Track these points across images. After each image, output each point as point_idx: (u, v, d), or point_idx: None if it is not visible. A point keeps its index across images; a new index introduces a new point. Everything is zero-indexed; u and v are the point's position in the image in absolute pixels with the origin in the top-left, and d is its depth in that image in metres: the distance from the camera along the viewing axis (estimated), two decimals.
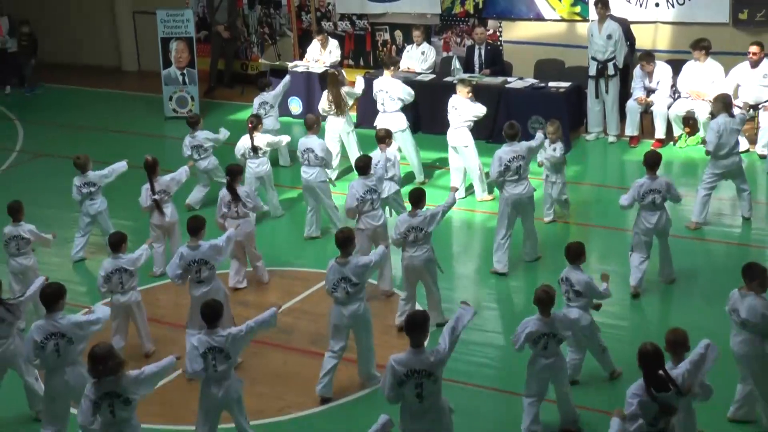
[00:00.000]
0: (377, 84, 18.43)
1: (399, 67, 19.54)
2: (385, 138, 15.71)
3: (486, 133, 19.50)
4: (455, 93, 17.36)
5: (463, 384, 12.09)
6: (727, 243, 15.76)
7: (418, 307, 13.38)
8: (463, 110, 17.06)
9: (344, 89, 18.58)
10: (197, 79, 23.01)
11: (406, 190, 15.21)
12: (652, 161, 13.65)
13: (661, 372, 8.87)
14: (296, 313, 14.28)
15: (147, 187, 15.13)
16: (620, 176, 18.76)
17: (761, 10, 19.38)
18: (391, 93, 18.09)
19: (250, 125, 16.85)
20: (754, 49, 18.28)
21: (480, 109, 17.28)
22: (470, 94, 17.15)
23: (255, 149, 16.75)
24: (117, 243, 12.90)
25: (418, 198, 13.42)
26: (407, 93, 18.29)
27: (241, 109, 22.79)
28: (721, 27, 19.65)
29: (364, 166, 14.43)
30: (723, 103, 15.79)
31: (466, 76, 20.28)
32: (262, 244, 15.47)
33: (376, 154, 15.48)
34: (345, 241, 11.97)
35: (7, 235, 14.12)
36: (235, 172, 14.92)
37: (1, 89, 25.50)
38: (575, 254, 11.82)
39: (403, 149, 18.08)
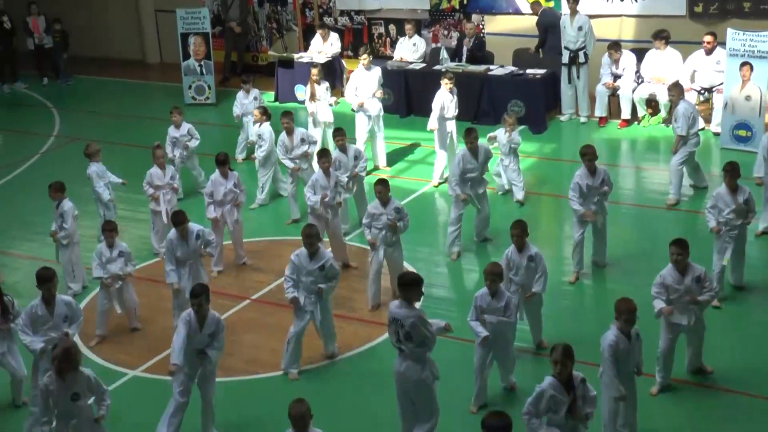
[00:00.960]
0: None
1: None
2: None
3: (470, 115, 19.65)
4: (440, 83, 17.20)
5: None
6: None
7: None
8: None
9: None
10: (213, 69, 22.98)
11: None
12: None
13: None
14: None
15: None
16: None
17: (714, 3, 19.43)
18: None
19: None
20: (708, 38, 18.41)
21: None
22: (451, 85, 16.96)
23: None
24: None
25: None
26: None
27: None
28: (679, 19, 19.71)
29: None
30: (681, 91, 15.98)
31: (453, 64, 20.49)
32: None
33: None
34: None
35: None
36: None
37: (39, 81, 25.39)
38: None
39: None
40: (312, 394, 10.07)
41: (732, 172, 12.34)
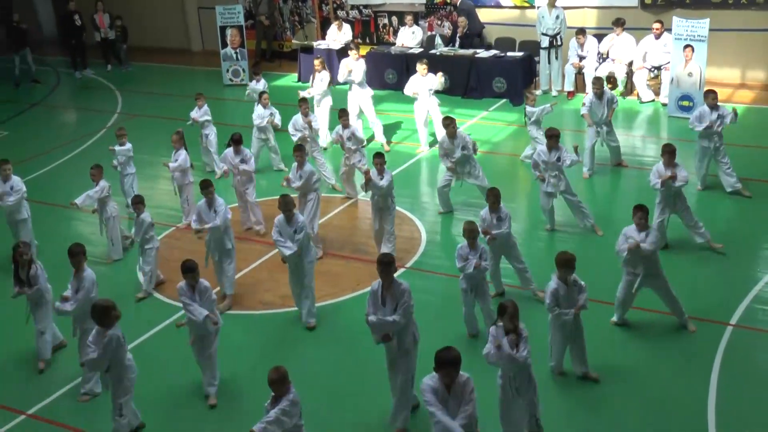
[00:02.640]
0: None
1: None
2: None
3: (461, 90, 19.95)
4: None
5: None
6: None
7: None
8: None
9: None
10: (247, 56, 23.13)
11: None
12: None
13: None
14: (329, 227, 14.34)
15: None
16: (562, 119, 18.42)
17: None
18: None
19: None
20: (656, 25, 18.68)
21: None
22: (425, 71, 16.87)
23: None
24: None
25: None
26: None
27: (280, 77, 23.14)
28: (632, 9, 19.89)
29: None
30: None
31: (446, 49, 20.68)
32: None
33: None
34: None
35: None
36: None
37: (104, 68, 25.48)
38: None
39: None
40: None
41: (670, 154, 12.19)
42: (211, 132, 16.60)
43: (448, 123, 14.01)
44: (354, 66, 17.69)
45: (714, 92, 14.03)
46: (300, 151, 13.20)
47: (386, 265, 9.17)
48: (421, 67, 16.88)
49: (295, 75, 22.90)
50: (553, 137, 13.07)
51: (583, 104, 15.26)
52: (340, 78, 18.01)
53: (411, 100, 17.39)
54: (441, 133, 15.18)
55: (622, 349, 10.63)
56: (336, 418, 9.73)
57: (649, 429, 9.22)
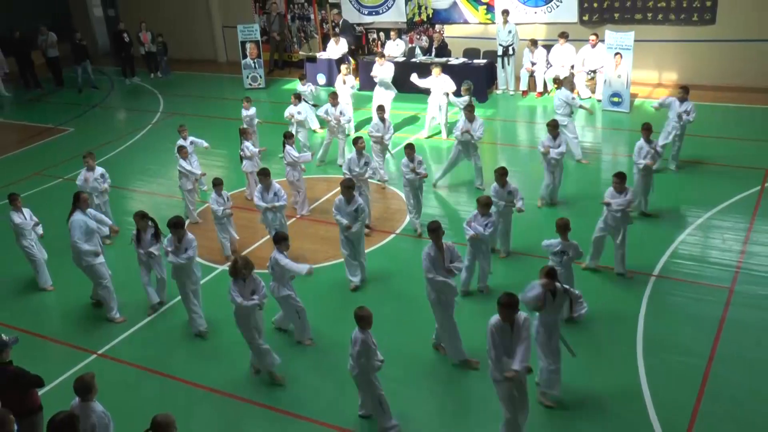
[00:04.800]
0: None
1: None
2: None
3: None
4: (430, 71, 17.26)
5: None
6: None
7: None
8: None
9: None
10: (263, 65, 23.03)
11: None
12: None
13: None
14: (328, 203, 13.89)
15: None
16: (516, 114, 18.80)
17: (596, 14, 19.67)
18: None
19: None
20: (592, 37, 18.73)
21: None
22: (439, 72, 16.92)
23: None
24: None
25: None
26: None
27: (289, 81, 22.99)
28: (574, 24, 19.88)
29: None
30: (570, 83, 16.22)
31: (424, 57, 20.65)
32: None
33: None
34: None
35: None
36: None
37: (148, 76, 25.30)
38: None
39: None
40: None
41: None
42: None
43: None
44: (380, 70, 17.77)
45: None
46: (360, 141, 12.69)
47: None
48: (436, 70, 16.93)
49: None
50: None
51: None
52: (375, 79, 17.97)
53: (399, 99, 17.51)
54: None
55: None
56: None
57: (593, 353, 9.36)
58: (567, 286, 8.52)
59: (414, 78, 17.62)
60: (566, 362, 8.48)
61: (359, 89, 20.10)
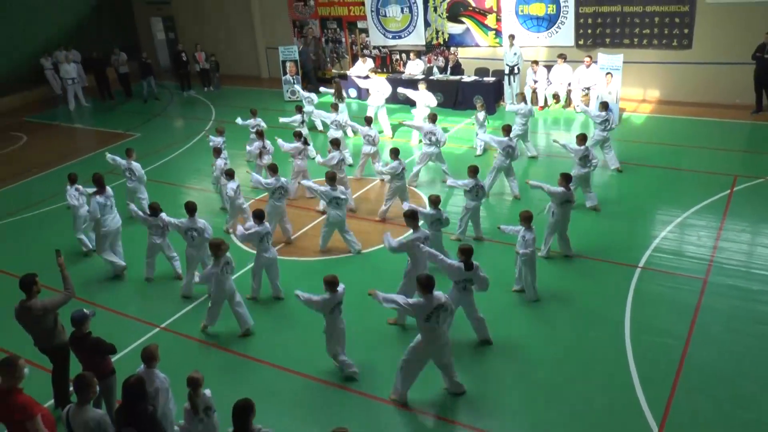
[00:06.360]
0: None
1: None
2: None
3: (451, 103, 19.80)
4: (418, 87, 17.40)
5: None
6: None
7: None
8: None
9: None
10: (300, 80, 22.96)
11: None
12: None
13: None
14: (356, 200, 14.11)
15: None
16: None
17: (590, 39, 19.40)
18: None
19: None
20: (587, 59, 18.53)
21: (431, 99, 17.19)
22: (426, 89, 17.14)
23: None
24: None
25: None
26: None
27: (322, 96, 22.53)
28: (571, 48, 19.66)
29: None
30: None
31: (442, 76, 20.52)
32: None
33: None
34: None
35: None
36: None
37: (202, 89, 25.33)
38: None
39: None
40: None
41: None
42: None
43: None
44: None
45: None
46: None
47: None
48: (421, 85, 17.22)
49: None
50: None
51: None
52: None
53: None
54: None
55: (565, 281, 10.64)
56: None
57: (585, 334, 9.31)
58: None
59: (401, 90, 17.79)
60: (563, 341, 8.37)
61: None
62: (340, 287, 8.41)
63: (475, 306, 9.00)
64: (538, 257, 10.69)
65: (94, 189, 11.58)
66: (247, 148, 15.83)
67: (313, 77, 24.58)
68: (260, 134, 14.91)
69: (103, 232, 11.57)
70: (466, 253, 8.53)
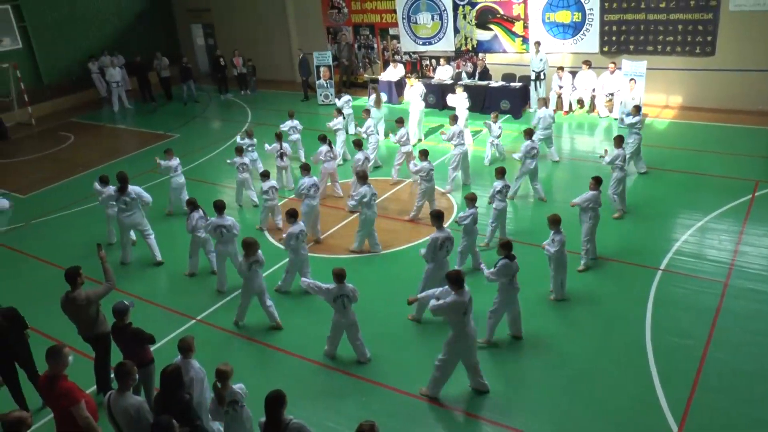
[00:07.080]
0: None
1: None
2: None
3: (479, 108, 19.61)
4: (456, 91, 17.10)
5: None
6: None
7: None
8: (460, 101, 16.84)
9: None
10: (334, 85, 23.04)
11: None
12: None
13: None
14: (387, 201, 14.16)
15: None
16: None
17: (614, 45, 19.10)
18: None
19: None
20: (611, 65, 18.28)
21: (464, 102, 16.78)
22: (463, 91, 16.85)
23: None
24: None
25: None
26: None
27: (356, 99, 22.59)
28: (595, 54, 19.41)
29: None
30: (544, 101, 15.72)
31: (470, 81, 20.42)
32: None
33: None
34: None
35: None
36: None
37: (239, 93, 25.40)
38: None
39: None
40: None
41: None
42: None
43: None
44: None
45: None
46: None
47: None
48: (459, 89, 16.92)
49: (365, 97, 22.62)
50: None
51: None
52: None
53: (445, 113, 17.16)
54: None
55: (588, 283, 10.53)
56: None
57: (608, 334, 9.21)
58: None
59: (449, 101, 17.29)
60: (585, 341, 8.26)
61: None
62: (349, 285, 8.54)
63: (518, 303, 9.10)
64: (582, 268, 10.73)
65: (119, 185, 11.64)
66: (266, 147, 15.56)
67: (345, 81, 24.67)
68: (279, 137, 14.78)
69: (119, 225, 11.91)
70: (507, 248, 8.67)
